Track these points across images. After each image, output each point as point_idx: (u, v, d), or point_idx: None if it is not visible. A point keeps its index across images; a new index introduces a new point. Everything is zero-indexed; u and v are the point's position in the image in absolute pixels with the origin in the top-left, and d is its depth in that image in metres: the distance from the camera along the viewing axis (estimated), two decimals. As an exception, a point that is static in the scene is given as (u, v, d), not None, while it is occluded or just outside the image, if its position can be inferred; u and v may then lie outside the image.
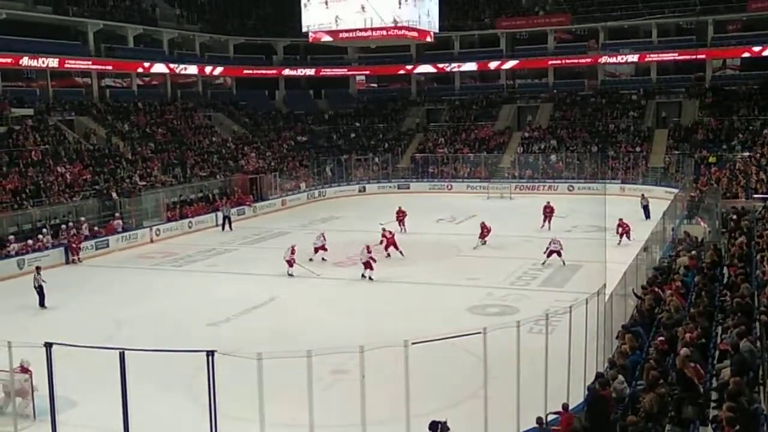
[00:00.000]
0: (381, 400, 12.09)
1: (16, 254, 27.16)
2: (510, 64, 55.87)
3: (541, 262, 25.56)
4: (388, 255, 27.50)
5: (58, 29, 43.07)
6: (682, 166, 42.14)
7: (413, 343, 11.39)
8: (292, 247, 25.35)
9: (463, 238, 30.82)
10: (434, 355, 14.14)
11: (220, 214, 36.38)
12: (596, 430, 10.82)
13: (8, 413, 12.99)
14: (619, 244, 27.64)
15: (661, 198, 35.93)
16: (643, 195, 35.87)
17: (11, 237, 27.90)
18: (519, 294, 22.17)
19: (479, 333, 11.63)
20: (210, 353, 10.88)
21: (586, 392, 11.84)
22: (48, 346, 11.92)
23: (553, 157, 47.90)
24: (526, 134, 51.23)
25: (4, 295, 23.70)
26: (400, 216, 33.06)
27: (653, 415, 9.75)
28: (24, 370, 13.63)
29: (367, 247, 24.76)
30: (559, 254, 25.31)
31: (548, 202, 33.38)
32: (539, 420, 11.43)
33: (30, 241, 28.13)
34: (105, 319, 20.40)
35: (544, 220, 32.51)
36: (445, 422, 10.88)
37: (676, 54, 52.35)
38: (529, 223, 32.72)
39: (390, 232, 28.47)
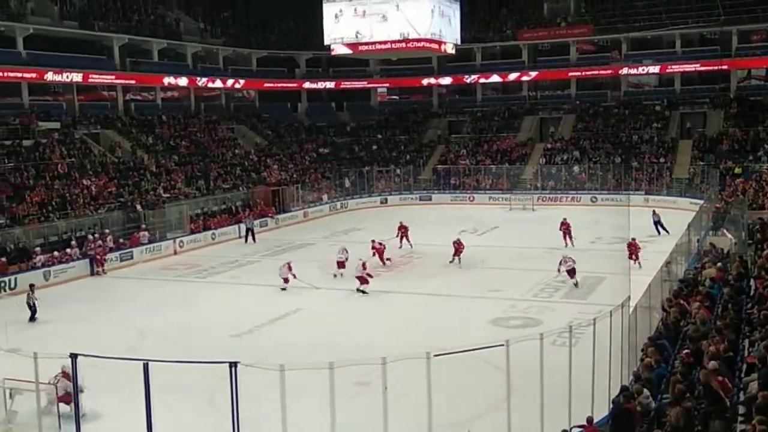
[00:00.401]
0: (403, 412, 12.05)
1: (43, 266, 27.48)
2: (532, 75, 55.76)
3: (557, 275, 24.85)
4: (385, 263, 28.10)
5: (84, 44, 43.70)
6: (707, 177, 41.73)
7: (435, 355, 11.36)
8: (288, 264, 25.33)
9: (486, 249, 30.71)
10: (457, 367, 14.08)
11: (243, 226, 36.58)
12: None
13: (18, 422, 13.12)
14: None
15: (686, 209, 35.56)
16: (654, 211, 34.26)
17: (37, 249, 28.24)
18: (542, 306, 22.02)
19: (502, 345, 11.58)
20: (233, 364, 10.92)
21: (611, 405, 11.72)
22: (73, 357, 12.05)
23: (575, 168, 47.64)
24: (549, 145, 51.04)
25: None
26: (402, 231, 32.17)
27: (679, 429, 9.61)
28: (66, 375, 13.87)
29: (363, 264, 24.61)
30: (573, 273, 24.24)
31: (564, 219, 32.00)
32: (563, 433, 11.33)
33: (56, 253, 28.46)
34: (129, 330, 20.55)
35: (564, 237, 31.09)
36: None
37: (699, 65, 51.93)
38: (552, 234, 32.48)
39: (380, 243, 28.71)
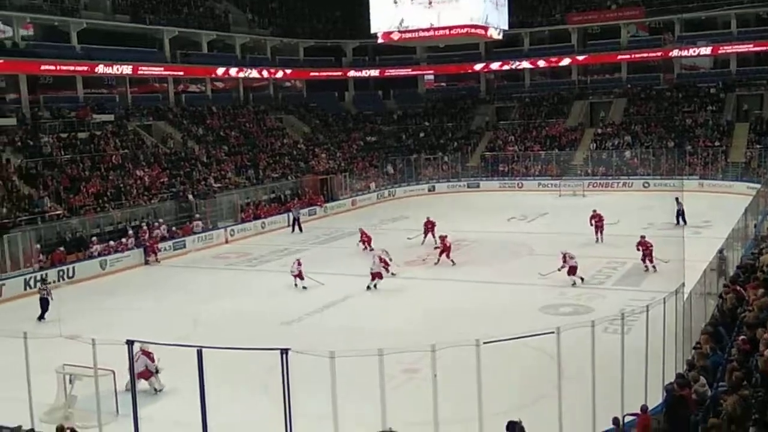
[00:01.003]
0: (453, 400, 12.05)
1: (99, 255, 28.19)
2: (581, 59, 54.82)
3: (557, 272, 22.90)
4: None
5: (135, 37, 44.52)
6: (764, 161, 40.56)
7: (485, 343, 11.31)
8: (298, 260, 24.60)
9: (535, 236, 30.43)
10: (507, 354, 14.01)
11: (291, 215, 36.92)
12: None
13: (77, 407, 13.51)
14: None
15: (742, 194, 34.67)
16: (677, 199, 32.01)
17: (94, 238, 28.97)
18: (593, 293, 21.73)
19: (552, 333, 11.47)
20: (284, 351, 11.05)
21: (665, 393, 11.52)
22: (129, 343, 12.34)
23: (627, 153, 46.79)
24: (599, 130, 50.23)
25: (87, 294, 24.62)
26: (429, 227, 30.00)
27: (736, 418, 9.40)
28: (145, 353, 14.48)
29: (381, 258, 23.71)
30: (574, 271, 22.63)
31: (594, 211, 29.68)
32: (615, 420, 11.17)
33: (112, 242, 29.16)
34: (182, 318, 20.95)
35: (596, 232, 29.08)
36: (520, 422, 10.74)
37: (753, 45, 50.32)
38: (604, 220, 31.97)
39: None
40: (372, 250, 28.10)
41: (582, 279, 22.79)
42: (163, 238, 30.98)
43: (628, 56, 53.68)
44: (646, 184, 43.96)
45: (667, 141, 46.54)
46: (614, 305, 18.39)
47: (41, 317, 21.06)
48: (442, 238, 26.70)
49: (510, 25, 44.99)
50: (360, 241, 29.24)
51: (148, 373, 14.37)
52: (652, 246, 24.10)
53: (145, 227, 30.97)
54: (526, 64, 56.38)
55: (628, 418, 11.38)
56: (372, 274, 23.25)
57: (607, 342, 12.62)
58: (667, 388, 11.30)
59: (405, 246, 29.15)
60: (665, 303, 12.53)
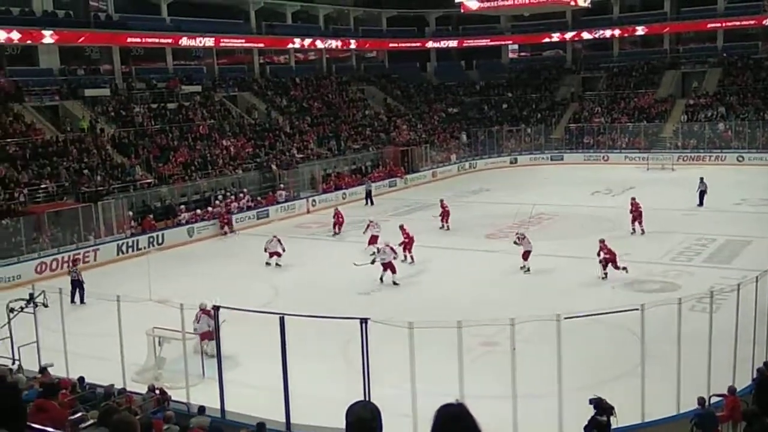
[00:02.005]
0: (532, 374, 11.96)
1: (187, 223, 29.11)
2: (674, 27, 52.57)
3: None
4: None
5: (223, 9, 45.29)
6: None
7: (566, 318, 11.16)
8: (276, 237, 24.04)
9: (621, 211, 29.63)
10: (588, 330, 13.79)
11: (373, 186, 37.05)
12: (766, 416, 10.13)
13: (167, 368, 14.06)
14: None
15: None
16: (701, 179, 30.40)
17: (182, 206, 29.91)
18: (681, 270, 21.07)
19: (636, 309, 11.23)
20: (363, 321, 11.20)
21: (756, 374, 11.11)
22: (216, 309, 12.75)
23: (720, 125, 44.84)
24: (691, 101, 48.25)
25: (176, 260, 25.50)
26: (444, 211, 28.66)
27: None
28: (206, 312, 14.96)
29: (391, 247, 21.61)
30: (527, 256, 21.41)
31: (633, 199, 26.56)
32: (701, 400, 10.86)
33: (198, 211, 30.05)
34: (264, 286, 21.45)
35: (633, 222, 26.04)
36: (605, 401, 10.48)
37: None
38: (693, 195, 30.90)
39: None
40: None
41: (528, 269, 21.47)
42: (241, 209, 31.61)
43: (723, 23, 51.12)
44: (740, 158, 42.12)
45: (765, 113, 44.30)
46: (703, 283, 17.78)
47: (74, 299, 19.59)
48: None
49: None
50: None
51: (210, 335, 14.68)
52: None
53: (231, 197, 31.77)
54: (615, 32, 54.50)
55: (714, 399, 11.05)
56: (383, 265, 21.22)
57: (694, 321, 12.26)
58: (760, 369, 10.90)
59: (484, 218, 28.91)
60: (758, 282, 12.04)
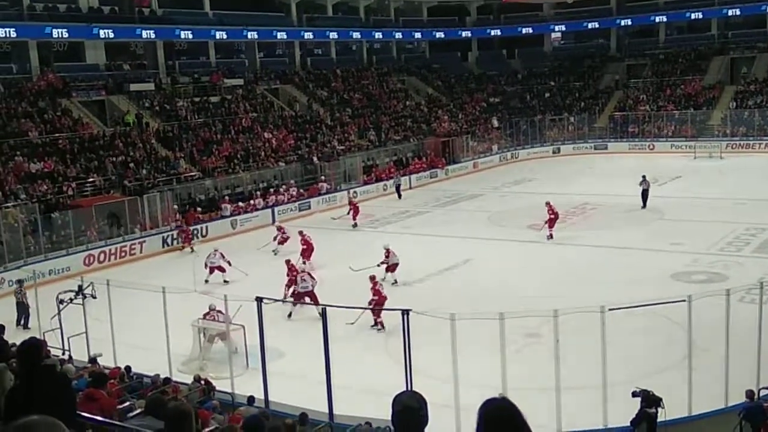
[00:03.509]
0: (575, 366, 11.85)
1: (230, 215, 29.45)
2: (722, 12, 51.28)
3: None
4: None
5: (263, 1, 45.57)
6: None
7: (610, 309, 11.02)
8: (218, 252, 21.85)
9: (667, 201, 29.14)
10: (634, 322, 13.61)
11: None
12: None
13: (212, 359, 14.26)
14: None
15: None
16: (644, 177, 27.80)
17: (226, 198, 30.24)
18: (729, 260, 20.61)
19: (683, 301, 11.03)
20: (405, 312, 11.20)
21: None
22: (259, 300, 12.88)
23: (771, 112, 43.70)
24: (740, 88, 47.07)
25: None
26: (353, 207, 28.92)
27: None
28: (211, 314, 15.18)
29: (309, 274, 18.56)
30: (393, 269, 19.65)
31: (548, 203, 24.54)
32: (749, 393, 10.62)
33: (241, 203, 30.38)
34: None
35: (547, 224, 24.19)
36: (652, 393, 10.29)
37: None
38: (742, 184, 30.20)
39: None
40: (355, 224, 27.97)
41: (396, 281, 19.81)
42: (287, 201, 31.88)
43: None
44: (791, 146, 41.03)
45: (818, 98, 43.08)
46: (752, 274, 17.39)
47: (19, 323, 17.62)
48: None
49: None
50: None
51: (223, 335, 14.74)
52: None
53: (280, 189, 32.28)
54: (661, 18, 53.35)
55: (763, 392, 10.81)
56: (300, 294, 17.78)
57: (743, 312, 11.99)
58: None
59: (527, 209, 28.66)
60: (810, 273, 11.72)
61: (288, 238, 24.27)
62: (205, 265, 21.45)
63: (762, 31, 51.30)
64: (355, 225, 28.70)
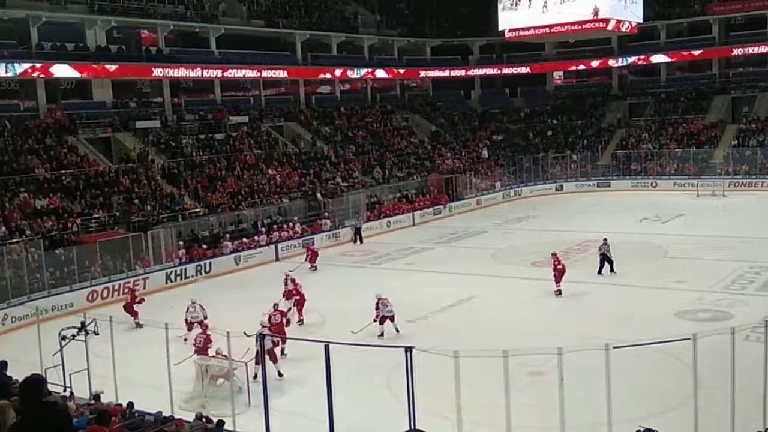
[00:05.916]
0: (580, 405, 11.73)
1: (233, 252, 29.45)
2: (723, 52, 51.77)
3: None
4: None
5: (269, 41, 46.11)
6: None
7: (615, 347, 10.96)
8: (197, 304, 19.48)
9: (670, 238, 29.12)
10: (639, 360, 13.53)
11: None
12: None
13: (214, 396, 14.16)
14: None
15: None
16: (605, 240, 24.89)
17: (227, 235, 30.24)
18: (734, 298, 20.52)
19: (688, 339, 10.96)
20: (408, 349, 11.14)
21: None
22: (261, 337, 12.85)
23: (773, 151, 43.85)
24: (742, 126, 47.33)
25: (222, 288, 25.77)
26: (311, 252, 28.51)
27: None
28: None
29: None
30: (391, 320, 18.60)
31: (554, 254, 22.92)
32: (758, 436, 10.53)
33: (245, 239, 30.40)
34: (311, 314, 21.46)
35: (555, 279, 22.17)
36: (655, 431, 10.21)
37: None
38: (745, 222, 30.22)
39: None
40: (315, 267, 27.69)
41: (382, 334, 18.61)
42: (291, 238, 31.92)
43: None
44: (794, 184, 41.08)
45: (820, 137, 43.24)
46: (757, 312, 17.29)
47: None
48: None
49: (645, 18, 43.26)
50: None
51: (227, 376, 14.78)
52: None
53: (284, 226, 32.35)
54: (662, 58, 53.87)
55: (772, 433, 10.70)
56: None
57: (748, 351, 11.90)
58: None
59: (534, 246, 28.67)
60: (816, 311, 11.67)
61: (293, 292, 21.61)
62: (186, 321, 18.83)
63: (763, 71, 51.76)
64: (314, 268, 27.85)
